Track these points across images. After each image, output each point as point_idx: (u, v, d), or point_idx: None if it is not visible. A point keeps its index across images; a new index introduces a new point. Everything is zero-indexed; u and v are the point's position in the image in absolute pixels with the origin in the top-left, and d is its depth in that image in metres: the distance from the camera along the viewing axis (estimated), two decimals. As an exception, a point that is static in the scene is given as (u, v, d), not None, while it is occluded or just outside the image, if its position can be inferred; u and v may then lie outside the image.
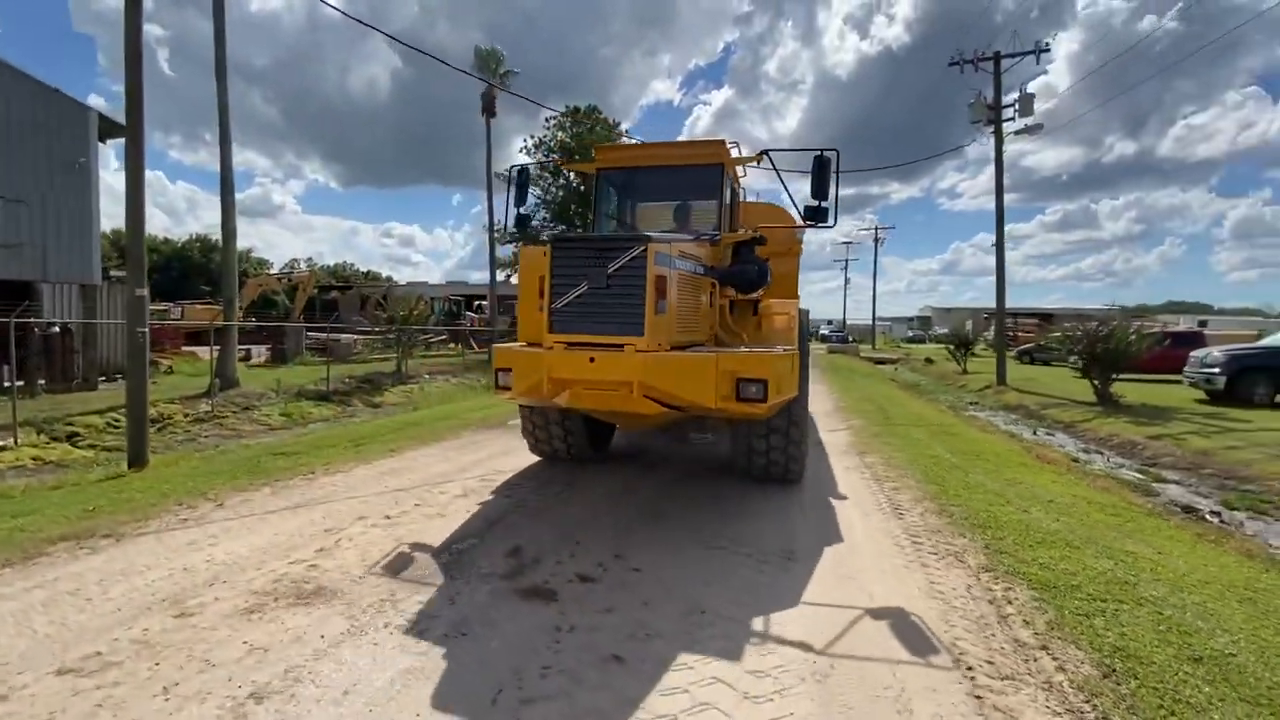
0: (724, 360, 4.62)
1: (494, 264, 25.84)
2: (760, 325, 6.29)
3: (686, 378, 4.56)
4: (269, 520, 4.96)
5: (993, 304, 21.23)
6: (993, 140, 19.29)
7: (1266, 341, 14.82)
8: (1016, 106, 18.58)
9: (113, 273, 24.68)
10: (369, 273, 72.81)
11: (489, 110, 24.34)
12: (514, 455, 7.55)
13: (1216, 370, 14.03)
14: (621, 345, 4.56)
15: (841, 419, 11.10)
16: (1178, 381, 17.24)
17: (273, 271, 54.85)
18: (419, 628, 3.20)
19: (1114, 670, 2.95)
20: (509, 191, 6.51)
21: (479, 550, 4.33)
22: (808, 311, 7.54)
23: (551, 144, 27.61)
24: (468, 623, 3.26)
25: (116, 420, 9.70)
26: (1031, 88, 17.84)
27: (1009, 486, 6.63)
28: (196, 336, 25.40)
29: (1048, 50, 18.71)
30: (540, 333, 4.91)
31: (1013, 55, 18.85)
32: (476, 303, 49.21)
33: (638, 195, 7.24)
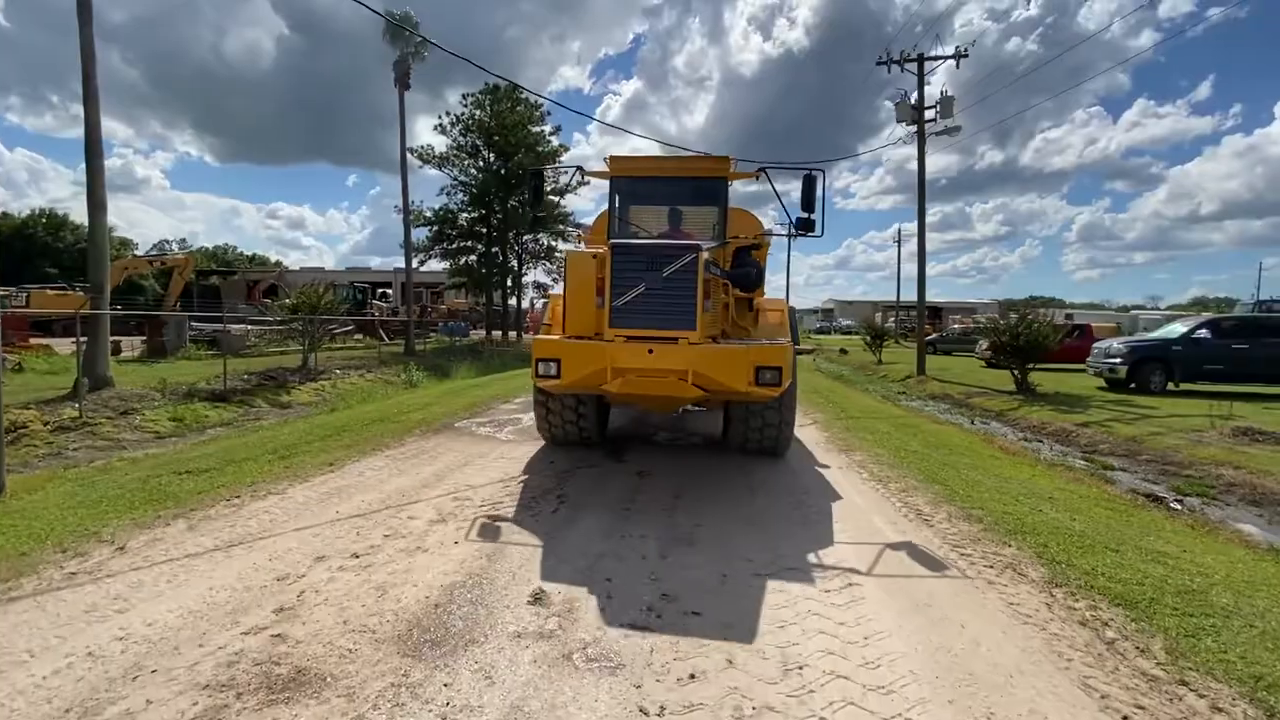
0: (750, 351, 5.32)
1: (409, 248, 23.96)
2: (757, 320, 6.74)
3: (726, 366, 5.23)
4: (195, 569, 3.86)
5: (888, 297, 22.18)
6: (905, 139, 20.01)
7: (1159, 334, 16.23)
8: (938, 108, 19.28)
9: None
10: (255, 256, 66.60)
11: (403, 83, 22.37)
12: (476, 465, 6.64)
13: (1118, 360, 15.19)
14: (675, 338, 5.23)
15: (800, 412, 10.87)
16: (1075, 369, 18.70)
17: (139, 253, 48.83)
18: (462, 727, 2.38)
19: (1274, 709, 2.65)
20: (527, 192, 6.78)
21: (493, 597, 3.49)
22: (794, 308, 8.12)
23: (470, 122, 25.95)
24: (525, 713, 2.47)
25: (-49, 433, 7.80)
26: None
27: (1004, 483, 6.54)
28: (44, 327, 21.84)
29: (966, 55, 19.58)
30: (596, 327, 5.50)
31: (935, 58, 19.58)
32: (380, 290, 46.04)
33: (646, 200, 7.81)
